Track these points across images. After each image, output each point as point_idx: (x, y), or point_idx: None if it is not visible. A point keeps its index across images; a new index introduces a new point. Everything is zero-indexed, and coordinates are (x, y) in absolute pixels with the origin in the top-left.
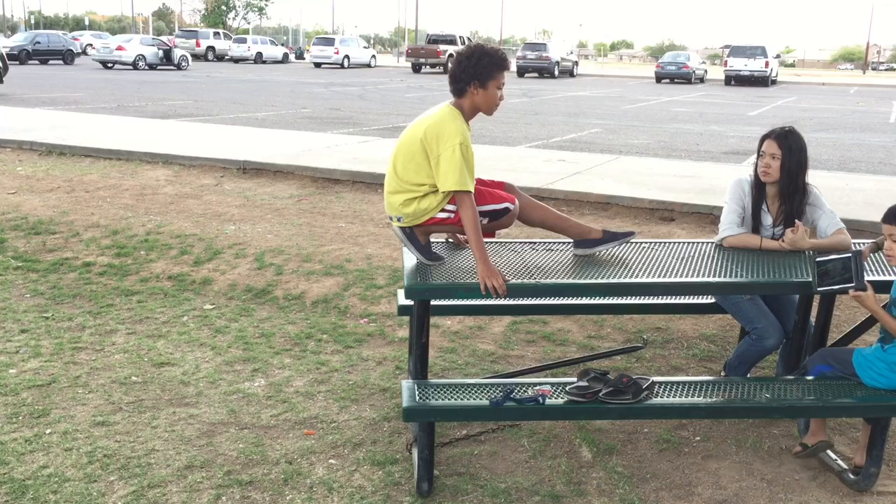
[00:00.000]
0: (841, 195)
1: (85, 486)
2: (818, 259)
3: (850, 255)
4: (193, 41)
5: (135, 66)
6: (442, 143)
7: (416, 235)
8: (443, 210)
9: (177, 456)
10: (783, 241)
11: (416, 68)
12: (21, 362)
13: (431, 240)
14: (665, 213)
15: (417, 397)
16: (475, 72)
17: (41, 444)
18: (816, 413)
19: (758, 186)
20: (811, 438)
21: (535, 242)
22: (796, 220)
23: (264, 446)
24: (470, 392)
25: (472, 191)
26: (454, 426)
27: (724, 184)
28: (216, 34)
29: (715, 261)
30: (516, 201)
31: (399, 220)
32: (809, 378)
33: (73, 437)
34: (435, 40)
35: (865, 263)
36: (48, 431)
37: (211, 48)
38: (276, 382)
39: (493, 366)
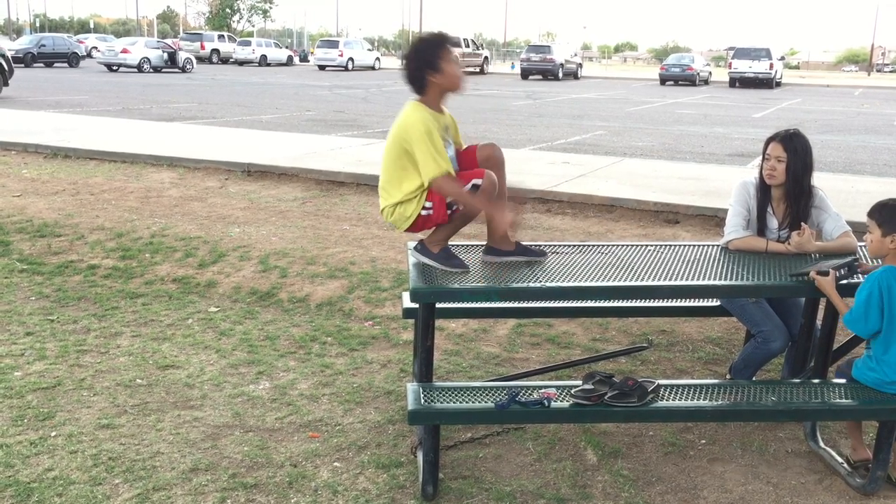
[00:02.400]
0: (846, 197)
1: (90, 489)
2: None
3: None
4: (198, 44)
5: (139, 68)
6: (411, 136)
7: (427, 249)
8: (423, 209)
9: (181, 459)
10: (789, 243)
11: None
12: (26, 365)
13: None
14: (670, 215)
15: (422, 400)
16: (422, 62)
17: (46, 446)
18: (822, 416)
19: (763, 189)
20: (854, 455)
21: (537, 245)
22: (802, 223)
23: (269, 449)
24: (475, 395)
25: (450, 171)
26: (459, 429)
27: (728, 186)
28: (220, 37)
29: (720, 263)
30: (486, 173)
31: (392, 226)
32: (815, 381)
33: (78, 439)
34: None
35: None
36: (53, 434)
37: (215, 51)
38: (280, 385)
39: (497, 368)
